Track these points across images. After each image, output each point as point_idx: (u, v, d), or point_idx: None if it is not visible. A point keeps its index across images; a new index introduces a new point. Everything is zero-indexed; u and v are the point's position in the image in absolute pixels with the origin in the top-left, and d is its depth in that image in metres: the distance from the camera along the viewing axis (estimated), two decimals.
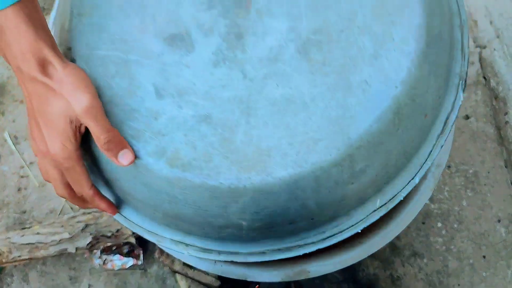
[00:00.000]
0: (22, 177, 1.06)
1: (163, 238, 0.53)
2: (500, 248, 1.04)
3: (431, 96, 0.49)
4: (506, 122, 1.11)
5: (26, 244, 0.90)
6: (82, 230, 0.90)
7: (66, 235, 0.89)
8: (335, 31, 0.46)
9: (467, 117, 1.14)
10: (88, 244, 0.90)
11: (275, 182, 0.44)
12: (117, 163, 0.45)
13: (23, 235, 0.91)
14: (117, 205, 0.53)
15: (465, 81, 0.54)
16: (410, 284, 1.03)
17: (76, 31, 0.48)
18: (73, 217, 0.93)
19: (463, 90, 0.54)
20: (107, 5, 0.49)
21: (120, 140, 0.45)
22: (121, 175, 0.48)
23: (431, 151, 0.52)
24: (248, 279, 0.71)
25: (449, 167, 1.11)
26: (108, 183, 0.51)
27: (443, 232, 1.06)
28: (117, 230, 0.92)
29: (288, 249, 0.52)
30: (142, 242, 0.98)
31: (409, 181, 0.52)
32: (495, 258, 1.04)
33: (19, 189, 1.05)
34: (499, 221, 1.07)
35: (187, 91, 0.46)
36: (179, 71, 0.46)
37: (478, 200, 1.08)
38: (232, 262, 0.64)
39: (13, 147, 1.06)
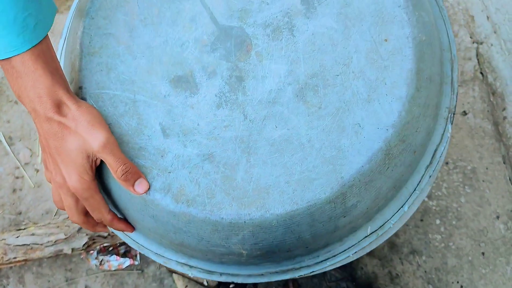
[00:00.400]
0: (17, 178, 1.06)
1: (169, 260, 0.57)
2: (499, 244, 1.04)
3: (421, 135, 0.52)
4: (504, 118, 1.10)
5: (21, 245, 0.90)
6: (78, 230, 0.90)
7: (61, 236, 0.89)
8: (331, 76, 0.49)
9: (464, 113, 1.13)
10: (84, 245, 0.90)
11: (273, 218, 0.47)
12: (134, 192, 0.48)
13: (18, 236, 0.91)
14: None
15: (454, 113, 0.57)
16: (409, 281, 1.03)
17: (86, 71, 0.51)
18: None
19: (451, 122, 0.57)
20: (115, 46, 0.51)
21: (136, 171, 0.48)
22: (130, 206, 0.52)
23: (419, 181, 0.56)
24: None
25: (447, 163, 1.10)
26: (119, 211, 0.55)
27: (442, 229, 1.06)
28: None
29: (284, 271, 0.56)
30: None
31: (398, 210, 0.55)
32: (494, 255, 1.03)
33: (14, 190, 1.05)
34: (497, 217, 1.06)
35: (191, 131, 0.49)
36: (184, 111, 0.49)
37: (477, 196, 1.07)
38: None
39: (8, 148, 1.06)
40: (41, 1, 0.44)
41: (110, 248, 0.96)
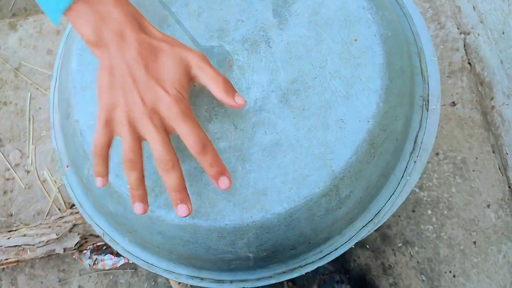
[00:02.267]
0: (7, 179, 1.06)
1: (180, 275, 0.59)
2: (490, 233, 1.06)
3: (400, 122, 0.55)
4: (492, 107, 1.11)
5: (13, 246, 0.89)
6: (70, 230, 0.90)
7: (53, 236, 0.89)
8: (310, 79, 0.53)
9: (453, 104, 1.15)
10: (76, 244, 0.89)
11: (273, 218, 0.50)
12: (235, 105, 0.48)
13: (9, 238, 0.90)
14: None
15: (428, 101, 0.61)
16: (402, 272, 1.04)
17: (81, 104, 0.54)
18: (61, 217, 0.93)
19: (427, 109, 0.61)
20: None
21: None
22: (138, 226, 0.54)
23: (406, 167, 0.59)
24: None
25: (437, 154, 1.11)
26: (128, 233, 0.57)
27: (433, 219, 1.07)
28: None
29: (292, 270, 0.58)
30: None
31: (390, 196, 0.59)
32: (485, 243, 1.05)
33: (5, 192, 1.05)
34: (488, 206, 1.08)
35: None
36: None
37: (467, 186, 1.09)
38: None
39: None
40: None
41: (104, 247, 0.95)
